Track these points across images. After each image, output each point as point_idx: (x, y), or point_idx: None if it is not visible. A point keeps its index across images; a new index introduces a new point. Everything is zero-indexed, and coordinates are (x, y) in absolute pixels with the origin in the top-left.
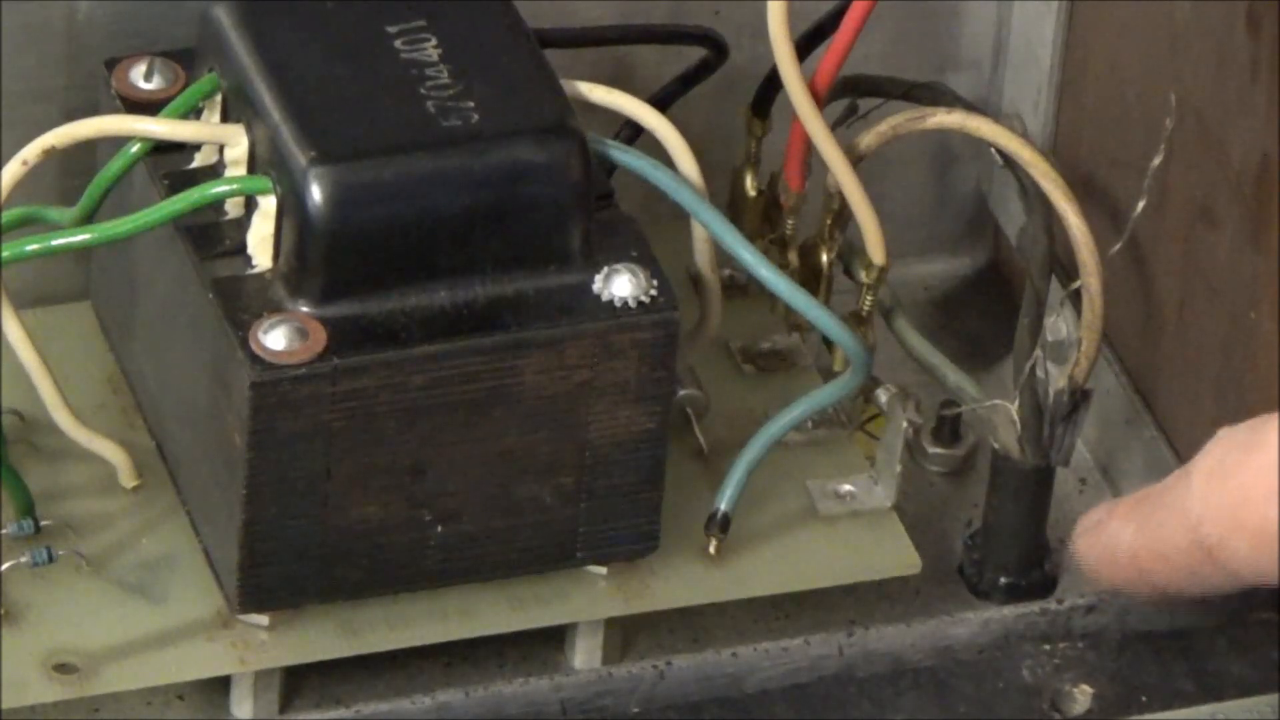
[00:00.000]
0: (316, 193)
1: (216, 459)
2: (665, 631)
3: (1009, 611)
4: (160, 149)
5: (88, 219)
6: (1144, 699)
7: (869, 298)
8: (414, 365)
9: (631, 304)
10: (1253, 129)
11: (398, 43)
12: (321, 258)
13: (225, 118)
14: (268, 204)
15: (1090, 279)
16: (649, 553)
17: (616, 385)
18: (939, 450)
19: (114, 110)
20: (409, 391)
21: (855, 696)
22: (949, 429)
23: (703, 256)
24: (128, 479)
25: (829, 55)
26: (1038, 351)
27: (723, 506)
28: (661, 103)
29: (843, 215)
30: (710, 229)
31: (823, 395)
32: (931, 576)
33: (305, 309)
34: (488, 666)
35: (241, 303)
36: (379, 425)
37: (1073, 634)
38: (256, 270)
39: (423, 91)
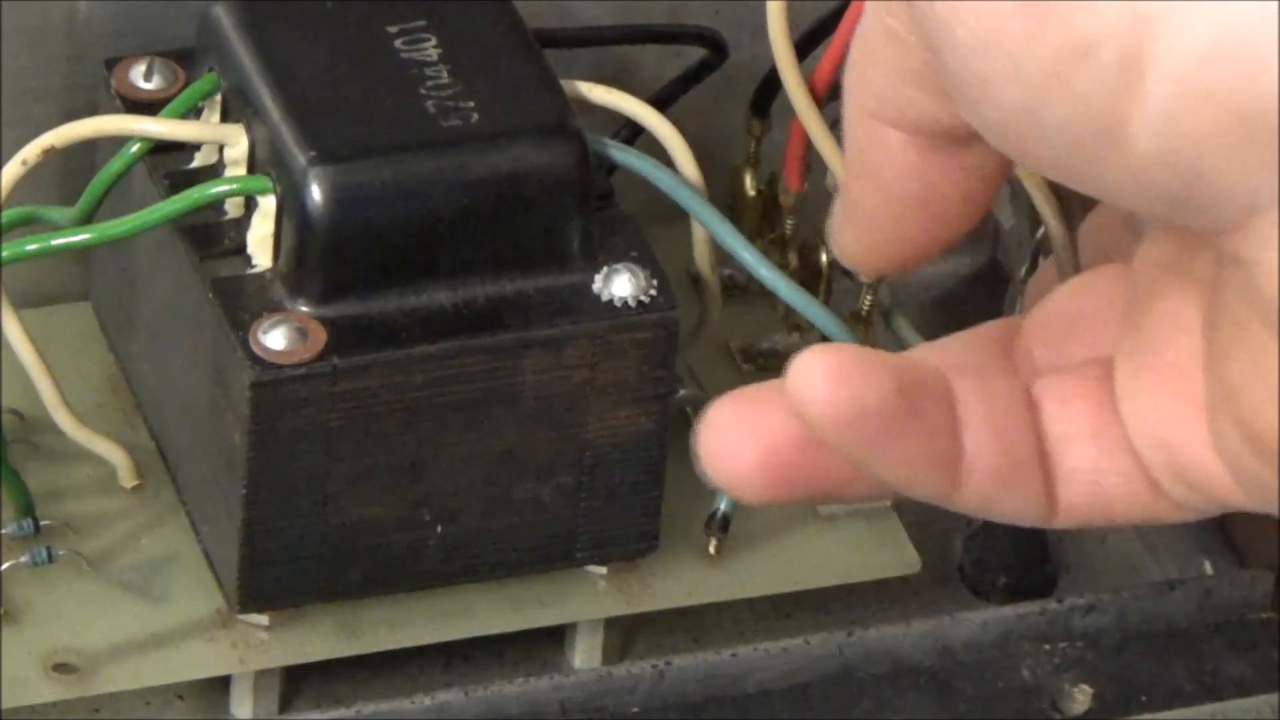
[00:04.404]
0: (316, 193)
1: (216, 459)
2: (665, 631)
3: (1009, 611)
4: (160, 149)
5: (88, 219)
6: (1144, 699)
7: (869, 298)
8: (414, 365)
9: (631, 304)
10: None
11: (398, 43)
12: (321, 257)
13: (225, 118)
14: (268, 204)
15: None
16: (649, 553)
17: (616, 385)
18: None
19: (114, 110)
20: (409, 391)
21: (855, 696)
22: None
23: (703, 256)
24: (128, 479)
25: (829, 55)
26: None
27: (723, 506)
28: (661, 103)
29: None
30: (710, 229)
31: None
32: (931, 576)
33: (305, 309)
34: (488, 666)
35: (241, 303)
36: (379, 425)
37: (1073, 634)
38: (256, 270)
39: (422, 91)
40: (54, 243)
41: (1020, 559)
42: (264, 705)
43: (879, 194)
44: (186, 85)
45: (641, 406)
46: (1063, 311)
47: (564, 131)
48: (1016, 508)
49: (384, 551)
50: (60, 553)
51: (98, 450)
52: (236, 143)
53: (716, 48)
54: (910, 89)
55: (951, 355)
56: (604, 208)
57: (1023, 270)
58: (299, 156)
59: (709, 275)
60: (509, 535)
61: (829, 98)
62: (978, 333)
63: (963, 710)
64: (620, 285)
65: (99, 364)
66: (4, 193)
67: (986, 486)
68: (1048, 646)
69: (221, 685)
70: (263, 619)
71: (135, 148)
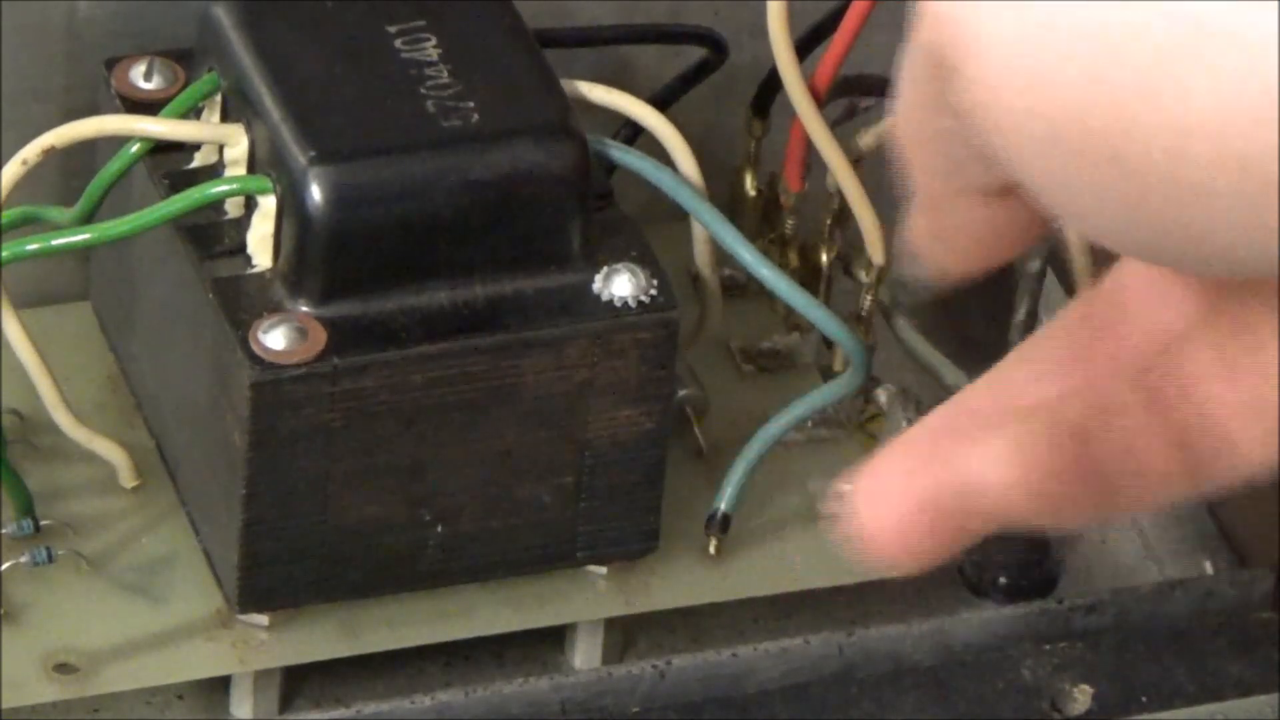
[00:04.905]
0: (316, 192)
1: (216, 459)
2: (665, 631)
3: (1009, 611)
4: (160, 149)
5: (88, 219)
6: (1144, 699)
7: (869, 298)
8: (414, 365)
9: (631, 304)
10: None
11: (398, 42)
12: (321, 257)
13: (225, 118)
14: (268, 204)
15: (1082, 278)
16: (649, 553)
17: (616, 385)
18: None
19: (114, 110)
20: (409, 391)
21: (855, 696)
22: None
23: (703, 256)
24: (128, 479)
25: (829, 55)
26: None
27: (723, 506)
28: (661, 103)
29: (843, 215)
30: (710, 229)
31: (823, 395)
32: (931, 576)
33: (305, 309)
34: (488, 666)
35: (241, 303)
36: (379, 425)
37: (1073, 634)
38: (256, 270)
39: (423, 91)
40: (54, 243)
41: (1020, 559)
42: (264, 705)
43: (946, 239)
44: (186, 85)
45: (641, 406)
46: (1136, 274)
47: (564, 131)
48: (1168, 496)
49: (384, 551)
50: (60, 553)
51: (98, 450)
52: (236, 143)
53: (716, 48)
54: (971, 164)
55: (1056, 368)
56: (604, 208)
57: (1036, 265)
58: (299, 156)
59: (709, 275)
60: (509, 535)
61: (829, 98)
62: (1070, 332)
63: (963, 710)
64: (620, 285)
65: (99, 364)
66: (4, 193)
67: (1138, 500)
68: (1048, 646)
69: (221, 685)
70: (263, 619)
71: (135, 148)
